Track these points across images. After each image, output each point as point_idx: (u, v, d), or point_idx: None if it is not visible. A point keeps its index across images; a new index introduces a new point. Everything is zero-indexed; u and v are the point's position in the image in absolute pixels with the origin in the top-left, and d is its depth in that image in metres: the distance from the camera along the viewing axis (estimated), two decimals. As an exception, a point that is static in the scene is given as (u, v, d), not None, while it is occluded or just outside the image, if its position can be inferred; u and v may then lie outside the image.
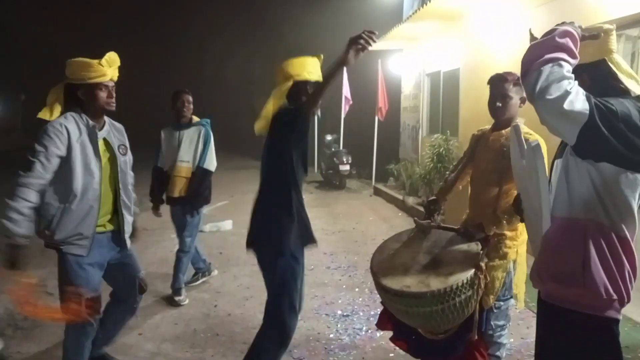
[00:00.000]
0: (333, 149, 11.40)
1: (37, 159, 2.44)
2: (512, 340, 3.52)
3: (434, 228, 2.66)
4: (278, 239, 2.68)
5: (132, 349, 3.36)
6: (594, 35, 1.74)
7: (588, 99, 1.57)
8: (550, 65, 1.58)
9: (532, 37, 1.90)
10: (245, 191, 10.71)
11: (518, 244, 2.60)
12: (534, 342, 3.43)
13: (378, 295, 2.60)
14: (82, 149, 2.56)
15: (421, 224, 2.65)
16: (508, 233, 2.55)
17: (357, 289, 4.50)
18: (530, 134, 2.46)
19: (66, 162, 2.52)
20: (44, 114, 2.60)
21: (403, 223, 7.19)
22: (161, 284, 4.37)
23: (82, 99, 2.61)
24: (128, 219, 2.80)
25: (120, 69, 2.74)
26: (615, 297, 1.65)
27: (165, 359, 3.24)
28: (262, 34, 19.17)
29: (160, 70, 24.79)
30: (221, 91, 23.76)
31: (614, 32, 1.77)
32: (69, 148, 2.52)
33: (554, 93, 1.55)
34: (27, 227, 2.44)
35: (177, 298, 4.13)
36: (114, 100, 2.69)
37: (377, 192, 10.07)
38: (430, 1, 6.93)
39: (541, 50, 1.63)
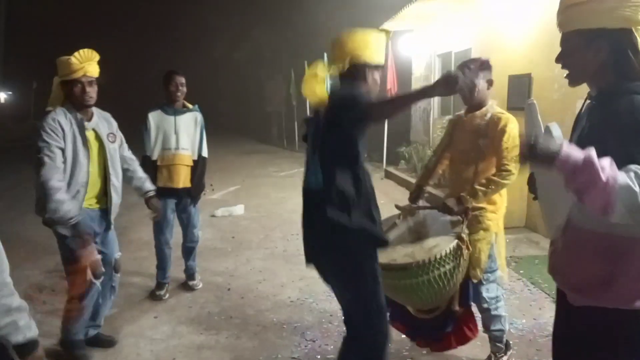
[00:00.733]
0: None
1: (43, 154, 2.69)
2: (524, 321, 3.53)
3: (415, 209, 2.87)
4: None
5: (148, 332, 3.43)
6: None
7: None
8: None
9: None
10: (256, 175, 10.77)
11: (498, 217, 2.75)
12: (546, 322, 3.48)
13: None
14: (72, 141, 2.81)
15: (402, 207, 2.86)
16: (488, 206, 2.70)
17: (368, 272, 4.52)
18: (502, 113, 2.67)
19: (63, 152, 2.77)
20: (50, 102, 2.89)
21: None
22: (174, 268, 4.44)
23: (67, 94, 2.86)
24: (116, 201, 3.04)
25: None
26: None
27: (180, 341, 3.30)
28: (273, 16, 19.00)
29: (170, 54, 24.77)
30: (231, 75, 23.69)
31: None
32: (64, 139, 2.76)
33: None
34: (73, 207, 2.71)
35: (191, 283, 4.17)
36: (89, 94, 2.87)
37: (388, 176, 10.04)
38: (441, -20, 6.82)
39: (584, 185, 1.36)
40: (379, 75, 2.32)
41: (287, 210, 6.96)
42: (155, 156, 3.81)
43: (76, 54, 2.79)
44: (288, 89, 16.67)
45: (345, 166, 2.17)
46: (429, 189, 3.06)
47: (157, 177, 3.78)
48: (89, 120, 2.93)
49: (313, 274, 4.42)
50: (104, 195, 3.01)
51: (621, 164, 1.38)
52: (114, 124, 3.14)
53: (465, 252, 2.49)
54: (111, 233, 3.13)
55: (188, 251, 4.16)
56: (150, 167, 3.76)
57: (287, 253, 5.18)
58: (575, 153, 1.36)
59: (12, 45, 22.24)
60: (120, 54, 26.55)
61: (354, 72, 2.21)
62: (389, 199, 8.18)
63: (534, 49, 6.07)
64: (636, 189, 1.30)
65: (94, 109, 2.99)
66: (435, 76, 9.87)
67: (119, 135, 3.16)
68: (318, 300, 3.96)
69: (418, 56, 10.77)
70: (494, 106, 2.74)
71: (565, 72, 1.70)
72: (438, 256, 2.38)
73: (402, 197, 8.54)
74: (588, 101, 1.64)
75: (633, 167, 1.35)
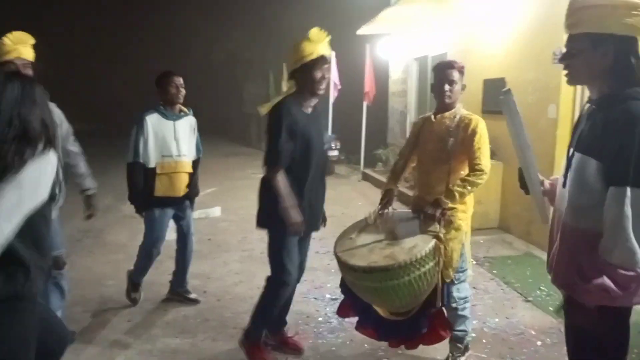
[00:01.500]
0: (322, 135, 11.38)
1: None
2: (497, 320, 3.60)
3: (389, 213, 2.91)
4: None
5: (122, 336, 3.38)
6: None
7: None
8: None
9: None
10: (234, 177, 10.70)
11: (468, 216, 2.83)
12: (518, 321, 3.56)
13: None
14: None
15: (376, 212, 2.92)
16: (459, 206, 2.76)
17: (346, 273, 4.54)
18: (471, 115, 2.76)
19: None
20: None
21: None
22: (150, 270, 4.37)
23: None
24: (62, 188, 2.93)
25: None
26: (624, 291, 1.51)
27: (155, 345, 3.26)
28: (251, 17, 18.93)
29: (146, 54, 24.45)
30: (209, 76, 23.49)
31: None
32: None
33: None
34: None
35: (193, 296, 3.95)
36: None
37: (366, 178, 10.11)
38: (417, -15, 6.90)
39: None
40: (316, 70, 2.77)
41: (264, 212, 6.93)
42: (152, 164, 3.50)
43: (9, 34, 2.74)
44: (267, 91, 16.63)
45: None
46: (399, 187, 3.10)
47: (156, 186, 3.51)
48: None
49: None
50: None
51: (616, 167, 1.48)
52: (57, 111, 2.92)
53: (442, 251, 2.52)
54: (54, 228, 2.88)
55: (188, 261, 3.91)
56: (147, 175, 3.49)
57: (264, 255, 5.08)
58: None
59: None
60: (92, 55, 26.12)
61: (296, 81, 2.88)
62: (367, 200, 8.22)
63: (509, 53, 6.19)
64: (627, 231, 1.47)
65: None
66: (413, 80, 9.98)
67: (65, 126, 3.06)
68: (294, 302, 3.94)
69: (395, 60, 10.87)
70: (461, 109, 2.83)
71: (562, 72, 1.75)
72: (419, 256, 2.40)
73: (379, 198, 8.57)
74: (588, 105, 1.68)
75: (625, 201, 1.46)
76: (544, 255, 5.01)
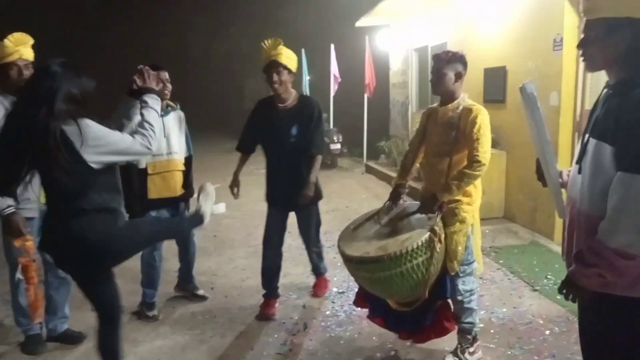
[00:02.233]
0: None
1: None
2: (504, 310, 3.61)
3: (396, 205, 2.94)
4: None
5: (131, 333, 3.39)
6: None
7: None
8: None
9: None
10: (237, 173, 10.69)
11: (473, 209, 2.79)
12: (525, 311, 3.56)
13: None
14: None
15: (384, 206, 2.94)
16: (464, 199, 2.74)
17: (351, 266, 4.55)
18: (473, 105, 2.73)
19: None
20: None
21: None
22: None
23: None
24: None
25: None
26: None
27: (164, 342, 3.28)
28: (250, 12, 18.87)
29: (146, 49, 24.41)
30: (209, 72, 23.45)
31: None
32: None
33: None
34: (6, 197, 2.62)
35: (201, 292, 3.96)
36: (26, 77, 2.82)
37: (369, 170, 10.10)
38: (416, -25, 6.86)
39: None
40: (269, 74, 3.46)
41: (268, 207, 6.93)
42: (143, 164, 3.35)
43: (9, 37, 2.79)
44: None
45: None
46: (409, 182, 3.08)
47: (149, 187, 3.38)
48: None
49: (296, 271, 4.45)
50: None
51: (626, 153, 1.45)
52: None
53: (438, 244, 2.52)
54: None
55: (190, 263, 3.90)
56: (139, 177, 3.34)
57: (270, 250, 5.17)
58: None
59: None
60: (93, 51, 26.07)
61: None
62: (370, 193, 8.22)
63: (509, 42, 6.16)
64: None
65: None
66: (413, 70, 9.94)
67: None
68: (302, 297, 3.98)
69: (395, 51, 10.82)
70: (466, 99, 2.78)
71: (563, 59, 1.70)
72: (410, 248, 2.42)
73: (383, 191, 8.61)
74: (605, 90, 1.64)
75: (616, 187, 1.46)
76: (549, 244, 5.03)
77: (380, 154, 10.34)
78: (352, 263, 2.56)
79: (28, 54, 2.87)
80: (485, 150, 2.63)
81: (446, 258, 2.70)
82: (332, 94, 11.49)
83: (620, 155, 1.47)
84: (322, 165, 3.83)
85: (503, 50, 6.28)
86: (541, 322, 3.42)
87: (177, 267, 4.00)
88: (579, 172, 1.65)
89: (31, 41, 2.89)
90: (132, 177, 3.30)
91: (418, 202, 2.91)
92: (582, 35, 1.66)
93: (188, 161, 3.67)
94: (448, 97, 2.79)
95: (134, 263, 3.80)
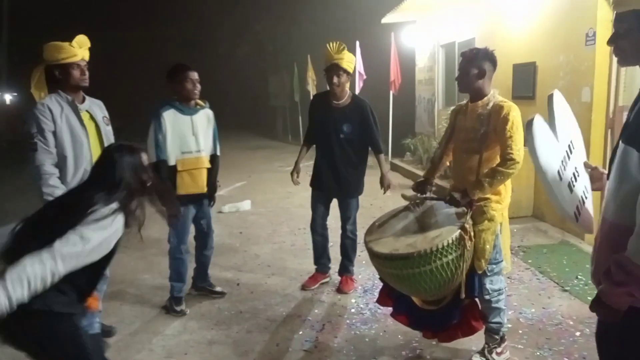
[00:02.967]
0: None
1: (36, 140, 2.80)
2: (533, 310, 3.54)
3: (422, 199, 2.92)
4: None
5: (160, 327, 3.46)
6: None
7: None
8: None
9: None
10: (261, 170, 10.79)
11: (502, 207, 2.74)
12: (555, 311, 3.49)
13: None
14: (67, 121, 2.89)
15: (409, 197, 2.92)
16: (493, 197, 2.70)
17: (376, 264, 4.54)
18: (504, 102, 2.67)
19: (55, 135, 2.87)
20: (35, 95, 2.96)
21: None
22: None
23: (59, 77, 2.93)
24: None
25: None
26: None
27: (191, 336, 3.33)
28: (274, 9, 18.91)
29: (174, 47, 24.75)
30: (235, 69, 23.62)
31: None
32: (54, 122, 2.85)
33: None
34: (60, 194, 2.72)
35: (218, 288, 4.00)
36: (86, 77, 3.01)
37: (395, 168, 10.03)
38: (443, -30, 6.77)
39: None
40: (329, 76, 3.83)
41: (294, 204, 6.98)
42: (172, 161, 3.44)
43: (76, 38, 2.91)
44: (292, 83, 16.64)
45: None
46: (435, 180, 3.06)
47: (178, 184, 3.46)
48: (81, 102, 3.03)
49: (321, 267, 4.40)
50: None
51: None
52: (105, 109, 3.21)
53: (468, 242, 2.49)
54: None
55: (208, 259, 3.93)
56: (169, 173, 3.42)
57: (295, 247, 5.20)
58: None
59: (15, 49, 22.30)
60: (120, 51, 26.57)
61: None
62: (395, 191, 8.16)
63: (539, 37, 6.02)
64: None
65: (85, 95, 3.10)
66: (440, 67, 9.83)
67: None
68: (326, 294, 3.98)
69: (421, 47, 10.71)
70: (496, 95, 2.73)
71: (595, 53, 1.67)
72: (440, 246, 2.38)
73: (408, 189, 8.48)
74: None
75: None
76: (580, 244, 4.92)
77: (405, 151, 10.26)
78: (380, 260, 2.54)
79: (87, 55, 3.01)
80: (519, 148, 2.57)
81: (474, 256, 2.66)
82: (357, 91, 11.44)
83: None
84: (348, 162, 3.90)
85: (533, 45, 6.15)
86: (571, 323, 3.34)
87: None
88: (607, 177, 1.60)
89: (89, 44, 3.03)
90: (163, 173, 3.39)
91: (440, 198, 2.88)
92: (613, 30, 1.61)
93: (214, 158, 3.73)
94: (476, 94, 2.75)
95: (163, 258, 3.89)
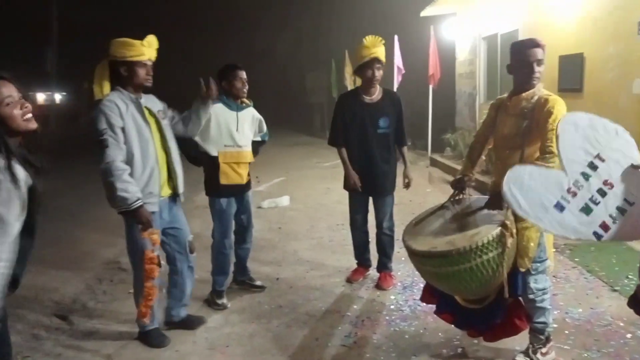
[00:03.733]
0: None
1: (106, 136, 2.77)
2: (580, 310, 3.42)
3: (465, 200, 2.86)
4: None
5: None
6: None
7: None
8: None
9: None
10: (300, 167, 10.84)
11: None
12: (604, 312, 3.36)
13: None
14: (132, 119, 2.89)
15: (448, 200, 2.89)
16: None
17: (416, 261, 4.49)
18: (550, 95, 2.57)
19: (123, 131, 2.84)
20: (96, 91, 2.92)
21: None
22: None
23: (123, 74, 2.90)
24: (180, 174, 3.13)
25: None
26: None
27: (233, 329, 3.40)
28: (312, 5, 18.96)
29: (211, 47, 25.19)
30: (273, 66, 23.83)
31: None
32: (122, 118, 2.84)
33: None
34: (136, 189, 2.82)
35: (259, 282, 4.05)
36: (151, 77, 2.98)
37: (434, 163, 9.90)
38: (485, -40, 6.60)
39: None
40: (367, 70, 3.73)
41: (332, 200, 6.99)
42: (214, 152, 3.56)
43: (146, 38, 2.91)
44: (329, 80, 16.62)
45: None
46: (476, 175, 2.99)
47: (220, 175, 3.58)
48: (140, 98, 3.03)
49: (360, 263, 4.40)
50: (169, 177, 3.11)
51: None
52: (159, 102, 3.19)
53: (509, 239, 2.42)
54: (181, 215, 3.25)
55: (247, 252, 4.00)
56: (211, 164, 3.56)
57: (333, 243, 5.21)
58: None
59: (64, 49, 23.23)
60: (162, 49, 27.27)
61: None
62: (435, 187, 8.06)
63: (586, 26, 5.79)
64: None
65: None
66: (481, 60, 9.61)
67: (169, 113, 3.21)
68: (365, 290, 3.98)
69: (462, 40, 10.50)
70: (541, 88, 2.64)
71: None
72: (480, 243, 2.34)
73: (448, 185, 8.33)
74: None
75: None
76: (631, 242, 4.70)
77: (445, 146, 10.10)
78: (419, 257, 2.52)
79: (153, 55, 2.99)
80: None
81: (517, 254, 2.59)
82: (395, 85, 11.33)
83: None
84: (384, 158, 3.91)
85: (580, 35, 5.93)
86: (621, 324, 3.21)
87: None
88: None
89: (157, 45, 3.01)
90: (203, 163, 3.62)
91: (484, 197, 2.82)
92: None
93: (259, 144, 3.91)
94: (526, 87, 2.64)
95: (203, 253, 3.97)
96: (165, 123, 3.11)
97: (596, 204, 2.01)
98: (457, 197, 2.89)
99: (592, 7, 5.67)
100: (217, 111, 3.55)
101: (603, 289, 3.77)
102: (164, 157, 3.07)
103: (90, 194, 8.80)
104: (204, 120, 3.32)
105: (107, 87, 2.93)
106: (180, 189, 3.15)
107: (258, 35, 22.67)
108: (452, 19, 10.59)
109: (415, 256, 2.55)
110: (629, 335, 3.07)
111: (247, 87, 3.67)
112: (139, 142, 2.88)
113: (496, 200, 2.58)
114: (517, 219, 2.58)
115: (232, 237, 3.81)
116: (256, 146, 3.86)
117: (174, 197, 3.18)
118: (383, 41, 3.74)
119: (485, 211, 2.66)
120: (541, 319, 2.73)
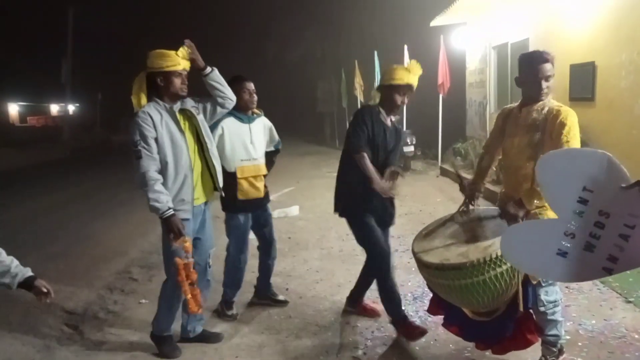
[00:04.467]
0: (396, 130, 11.26)
1: (140, 147, 2.86)
2: (594, 322, 3.37)
3: (475, 211, 2.82)
4: None
5: (212, 330, 3.53)
6: None
7: None
8: None
9: None
10: (309, 176, 10.86)
11: None
12: (618, 323, 3.31)
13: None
14: (166, 128, 2.96)
15: (458, 210, 2.85)
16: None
17: (426, 271, 4.45)
18: (561, 106, 2.54)
19: (157, 141, 2.92)
20: (134, 103, 2.98)
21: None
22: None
23: (160, 85, 2.97)
24: (219, 168, 3.20)
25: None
26: None
27: (242, 340, 3.39)
28: (322, 15, 19.07)
29: (220, 56, 25.44)
30: (282, 76, 23.94)
31: None
32: (155, 129, 2.91)
33: None
34: (167, 199, 2.88)
35: (282, 297, 4.00)
36: (186, 86, 3.05)
37: (445, 173, 9.85)
38: (494, -31, 6.62)
39: None
40: (398, 94, 3.34)
41: (342, 210, 6.96)
42: (232, 168, 3.51)
43: (181, 48, 2.98)
44: (339, 89, 16.68)
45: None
46: (487, 185, 2.97)
47: (238, 190, 3.52)
48: (175, 104, 3.07)
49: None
50: (203, 183, 3.15)
51: None
52: (192, 100, 3.19)
53: None
54: (208, 225, 3.27)
55: (271, 268, 3.92)
56: (229, 180, 3.45)
57: (343, 253, 5.20)
58: None
59: (78, 61, 23.59)
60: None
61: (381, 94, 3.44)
62: (445, 196, 8.01)
63: (598, 34, 5.76)
64: None
65: None
66: (492, 69, 9.58)
67: (202, 106, 3.22)
68: (376, 301, 3.95)
69: (472, 49, 10.49)
70: (551, 100, 2.62)
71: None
72: (494, 255, 2.31)
73: (459, 194, 8.22)
74: None
75: None
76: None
77: (456, 155, 10.06)
78: (430, 270, 2.49)
79: (187, 65, 3.05)
80: None
81: None
82: (405, 95, 11.34)
83: None
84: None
85: (591, 44, 5.90)
86: (636, 336, 3.15)
87: (253, 267, 4.03)
88: None
89: (189, 55, 3.05)
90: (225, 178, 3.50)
91: (494, 207, 2.79)
92: None
93: (273, 154, 3.92)
94: (537, 98, 2.61)
95: (213, 261, 3.98)
96: (200, 118, 3.13)
97: (597, 238, 1.91)
98: (467, 208, 2.86)
99: (603, 16, 5.64)
100: (229, 125, 3.51)
101: (617, 300, 3.71)
102: (199, 159, 3.11)
103: (102, 202, 8.94)
104: (223, 82, 3.21)
105: (144, 98, 2.99)
106: (220, 182, 3.20)
107: (268, 45, 22.81)
108: (462, 28, 10.60)
109: (427, 269, 2.52)
110: (644, 348, 3.02)
111: (255, 97, 3.62)
112: (172, 150, 2.95)
113: (512, 212, 2.54)
114: None
115: (248, 252, 3.76)
116: (270, 157, 3.84)
117: (207, 202, 3.23)
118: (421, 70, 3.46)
119: (496, 222, 2.63)
120: (553, 332, 2.70)
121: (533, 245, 2.01)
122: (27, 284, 2.24)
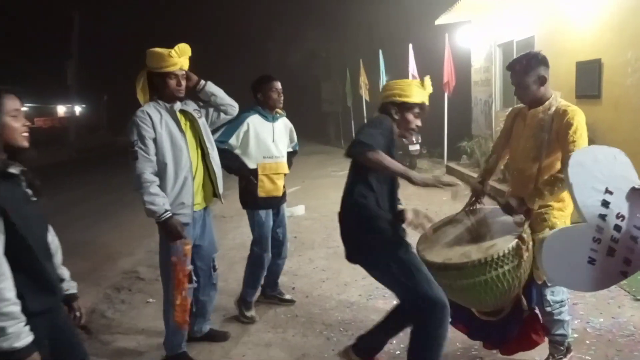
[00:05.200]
0: (402, 129, 11.23)
1: (137, 148, 2.78)
2: (602, 320, 3.36)
3: (481, 210, 2.81)
4: None
5: (220, 329, 3.54)
6: None
7: None
8: None
9: None
10: (315, 176, 10.87)
11: (566, 215, 2.59)
12: (626, 321, 3.29)
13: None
14: (166, 128, 2.88)
15: (463, 210, 2.84)
16: (555, 204, 2.56)
17: (432, 270, 4.45)
18: (568, 106, 2.51)
19: (155, 142, 2.84)
20: (139, 97, 2.92)
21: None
22: (240, 268, 4.56)
23: (157, 85, 2.90)
24: (219, 174, 3.12)
25: (190, 57, 2.96)
26: None
27: (249, 338, 3.41)
28: (326, 15, 19.07)
29: (226, 55, 25.44)
30: (287, 77, 23.97)
31: None
32: (154, 129, 2.83)
33: None
34: (164, 201, 2.79)
35: (288, 296, 4.01)
36: (183, 88, 2.94)
37: (450, 171, 9.83)
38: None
39: None
40: (411, 114, 2.70)
41: (347, 209, 6.96)
42: (253, 164, 3.56)
43: (176, 47, 2.83)
44: (344, 89, 16.67)
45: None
46: (493, 183, 2.96)
47: (259, 187, 3.56)
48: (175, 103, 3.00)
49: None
50: (203, 186, 3.08)
51: None
52: (195, 104, 3.14)
53: (525, 253, 2.38)
54: (211, 229, 3.20)
55: (280, 267, 3.96)
56: (251, 176, 3.53)
57: (349, 252, 5.19)
58: None
59: (84, 63, 23.72)
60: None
61: (384, 108, 2.64)
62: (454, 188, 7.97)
63: (603, 32, 5.73)
64: None
65: None
66: (497, 67, 9.55)
67: (204, 111, 3.16)
68: (382, 299, 3.95)
69: (477, 47, 10.46)
70: (558, 98, 2.58)
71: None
72: (495, 256, 2.30)
73: (465, 193, 8.27)
74: None
75: None
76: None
77: (462, 154, 10.03)
78: (433, 269, 2.48)
79: (186, 64, 2.93)
80: None
81: (533, 266, 2.54)
82: (410, 94, 11.30)
83: None
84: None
85: (597, 41, 5.86)
86: (645, 335, 3.14)
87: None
88: None
89: (190, 52, 2.93)
90: (242, 175, 3.56)
91: (499, 207, 2.77)
92: None
93: (292, 155, 3.92)
94: (538, 101, 2.61)
95: (219, 262, 3.99)
96: (202, 122, 3.07)
97: (616, 242, 1.88)
98: (473, 206, 2.85)
99: (609, 13, 5.61)
100: (255, 122, 3.55)
101: (625, 299, 3.69)
102: (200, 163, 3.04)
103: (108, 203, 8.98)
104: (220, 92, 3.17)
105: (147, 95, 2.92)
106: (220, 189, 3.13)
107: (273, 46, 22.86)
108: (467, 26, 10.56)
109: (430, 268, 2.50)
110: (652, 346, 3.00)
111: (282, 97, 3.65)
112: (172, 151, 2.86)
113: (512, 206, 2.55)
114: (534, 230, 2.54)
115: (269, 251, 3.73)
116: (289, 157, 3.86)
117: (206, 208, 3.15)
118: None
119: (501, 223, 2.61)
120: (560, 331, 2.68)
121: (570, 256, 1.96)
122: (67, 300, 2.07)
